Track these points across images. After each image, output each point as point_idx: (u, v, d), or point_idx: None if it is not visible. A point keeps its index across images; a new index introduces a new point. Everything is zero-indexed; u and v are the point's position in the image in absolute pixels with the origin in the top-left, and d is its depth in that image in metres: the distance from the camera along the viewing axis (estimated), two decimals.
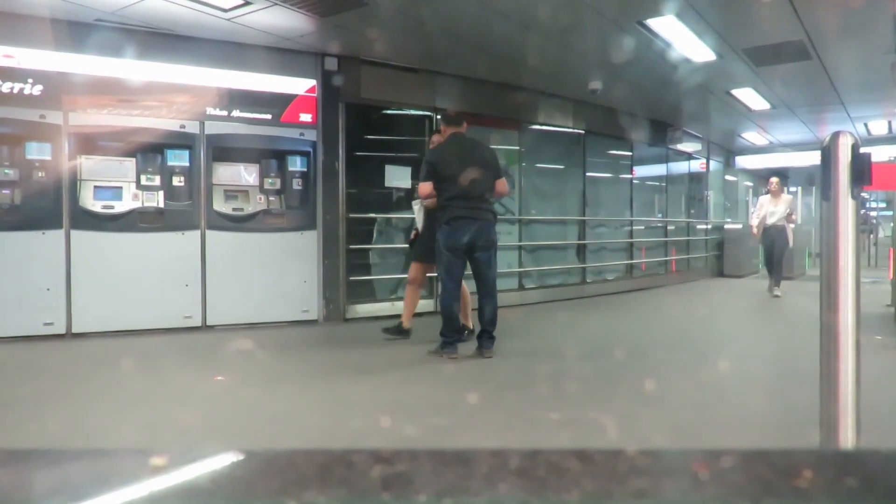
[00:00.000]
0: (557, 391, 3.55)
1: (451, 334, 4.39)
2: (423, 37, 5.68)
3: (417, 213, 4.98)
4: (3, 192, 4.90)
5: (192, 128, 5.53)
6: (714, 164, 12.57)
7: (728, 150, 13.41)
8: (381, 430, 2.80)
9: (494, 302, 4.43)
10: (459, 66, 6.78)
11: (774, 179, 8.38)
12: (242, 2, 4.73)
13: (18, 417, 3.06)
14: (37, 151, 4.99)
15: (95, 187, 5.22)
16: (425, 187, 4.42)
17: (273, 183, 5.91)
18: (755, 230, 8.40)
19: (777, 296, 8.01)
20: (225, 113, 5.66)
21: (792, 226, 8.34)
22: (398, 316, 5.10)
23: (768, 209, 8.25)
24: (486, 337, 4.41)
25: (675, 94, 8.31)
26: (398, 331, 4.93)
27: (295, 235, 5.96)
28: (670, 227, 10.84)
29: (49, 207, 5.01)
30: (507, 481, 0.47)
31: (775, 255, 8.21)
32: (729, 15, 5.38)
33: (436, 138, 4.85)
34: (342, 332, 5.74)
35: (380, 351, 4.69)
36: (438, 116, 4.77)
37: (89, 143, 5.19)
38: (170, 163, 5.49)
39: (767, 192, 8.53)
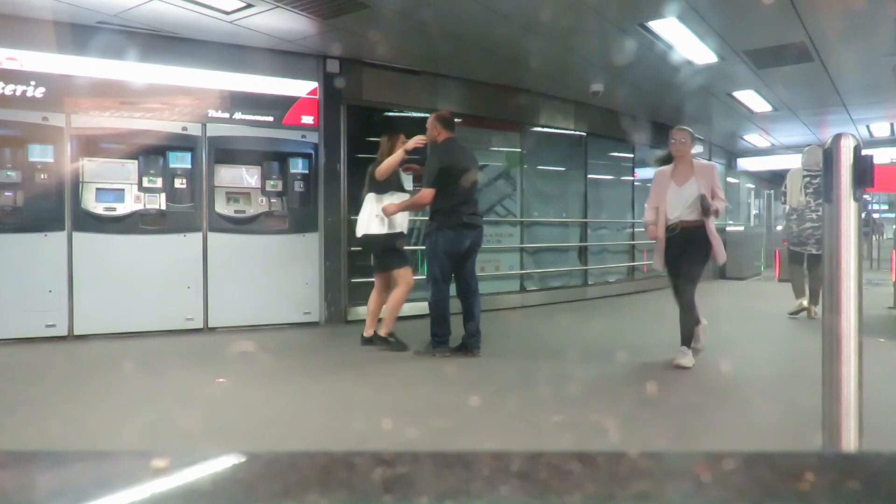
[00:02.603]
0: (559, 394, 3.54)
1: (445, 333, 4.47)
2: (425, 39, 5.69)
3: (379, 216, 4.55)
4: (6, 194, 4.91)
5: (194, 130, 5.54)
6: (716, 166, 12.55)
7: (730, 152, 13.41)
8: (382, 433, 2.80)
9: (479, 301, 4.60)
10: (461, 69, 6.79)
11: (680, 133, 4.30)
12: (244, 4, 4.74)
13: (21, 419, 3.06)
14: (39, 153, 5.01)
15: (97, 189, 5.23)
16: (430, 194, 4.34)
17: (275, 185, 5.92)
18: (653, 229, 4.35)
19: (684, 366, 4.06)
20: (227, 115, 5.67)
21: (715, 221, 4.26)
22: (398, 318, 5.05)
23: (670, 191, 4.25)
24: (476, 336, 4.50)
25: (676, 96, 8.31)
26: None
27: (296, 237, 5.97)
28: None
29: (51, 209, 5.02)
30: (508, 483, 0.47)
31: (682, 277, 4.27)
32: (730, 17, 5.38)
33: (430, 136, 4.56)
34: (344, 334, 5.73)
35: (381, 353, 4.68)
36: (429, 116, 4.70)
37: (91, 145, 5.20)
38: (172, 165, 5.50)
39: (667, 160, 4.44)
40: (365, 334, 4.78)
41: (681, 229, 4.24)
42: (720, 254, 4.26)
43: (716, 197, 4.19)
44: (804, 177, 6.16)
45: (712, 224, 4.24)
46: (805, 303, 6.31)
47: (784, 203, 6.46)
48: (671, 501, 0.48)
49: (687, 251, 4.24)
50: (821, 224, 5.68)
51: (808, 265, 6.27)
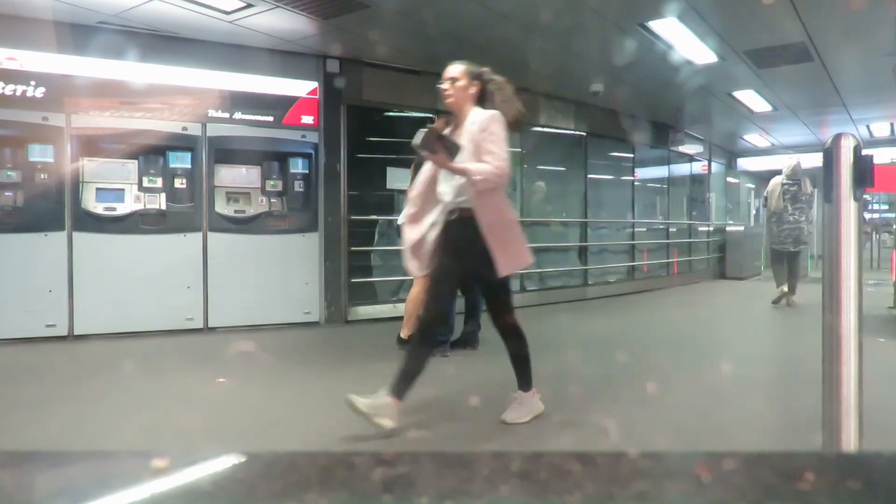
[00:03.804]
0: (559, 393, 3.54)
1: (446, 333, 4.51)
2: (425, 39, 5.69)
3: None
4: (6, 194, 4.91)
5: (194, 130, 5.54)
6: (716, 166, 12.56)
7: (730, 152, 13.40)
8: (382, 433, 2.80)
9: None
10: None
11: (457, 69, 2.82)
12: (244, 4, 4.74)
13: (21, 419, 3.06)
14: (39, 153, 5.01)
15: (97, 189, 5.23)
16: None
17: (275, 185, 5.92)
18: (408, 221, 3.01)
19: (508, 422, 2.93)
20: (227, 115, 5.67)
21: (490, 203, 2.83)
22: (401, 318, 4.99)
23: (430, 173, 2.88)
24: (476, 332, 4.67)
25: (676, 96, 8.31)
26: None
27: (296, 237, 5.97)
28: (672, 229, 10.83)
29: (51, 209, 5.02)
30: (508, 484, 0.47)
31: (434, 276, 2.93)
32: (730, 17, 5.38)
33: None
34: (343, 334, 5.74)
35: (381, 353, 4.68)
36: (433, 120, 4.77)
37: (91, 145, 5.20)
38: (172, 165, 5.50)
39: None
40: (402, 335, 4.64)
41: (453, 221, 2.78)
42: (505, 260, 2.75)
43: (485, 152, 2.60)
44: (783, 184, 7.23)
45: (495, 211, 2.73)
46: (785, 289, 7.21)
47: (765, 207, 7.57)
48: (671, 501, 0.48)
49: (453, 248, 2.79)
50: (797, 226, 7.07)
51: (788, 261, 7.25)
